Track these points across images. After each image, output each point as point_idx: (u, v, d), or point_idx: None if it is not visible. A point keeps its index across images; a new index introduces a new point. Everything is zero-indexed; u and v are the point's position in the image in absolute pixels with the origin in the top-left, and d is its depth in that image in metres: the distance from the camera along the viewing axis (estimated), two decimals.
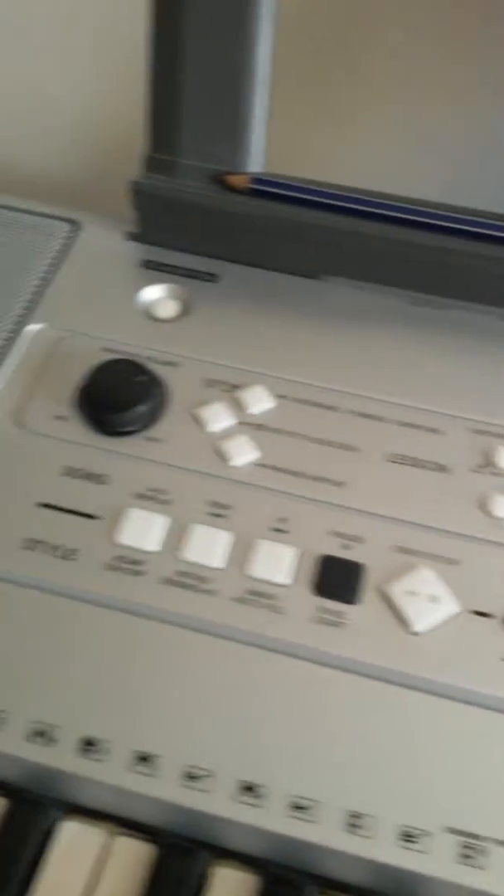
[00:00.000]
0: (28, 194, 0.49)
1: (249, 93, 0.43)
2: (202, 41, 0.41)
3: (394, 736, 0.30)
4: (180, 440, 0.38)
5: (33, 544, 0.34)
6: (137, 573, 0.34)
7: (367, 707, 0.30)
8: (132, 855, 0.29)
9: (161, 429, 0.38)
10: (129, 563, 0.34)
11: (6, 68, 0.56)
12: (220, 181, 0.45)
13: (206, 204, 0.44)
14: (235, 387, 0.40)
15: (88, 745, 0.29)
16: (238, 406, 0.39)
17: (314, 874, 0.29)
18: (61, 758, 0.29)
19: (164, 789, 0.29)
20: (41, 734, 0.30)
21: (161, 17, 0.42)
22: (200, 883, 0.28)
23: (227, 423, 0.38)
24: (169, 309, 0.44)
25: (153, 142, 0.45)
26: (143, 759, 0.29)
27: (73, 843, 0.29)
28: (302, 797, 0.28)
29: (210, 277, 0.45)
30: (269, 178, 0.44)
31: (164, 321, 0.43)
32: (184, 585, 0.33)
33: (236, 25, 0.41)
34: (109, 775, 0.29)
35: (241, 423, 0.38)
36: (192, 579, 0.33)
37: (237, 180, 0.44)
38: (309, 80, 0.52)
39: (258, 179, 0.44)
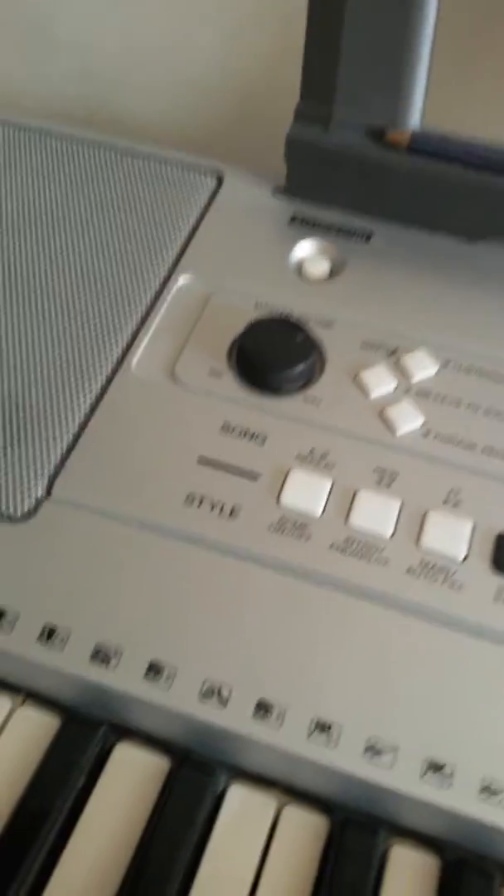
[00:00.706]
0: (168, 145, 0.48)
1: (415, 45, 0.41)
2: None
3: None
4: (341, 403, 0.36)
5: (195, 500, 0.33)
6: (304, 536, 0.32)
7: None
8: (303, 825, 0.28)
9: (319, 390, 0.37)
10: (295, 525, 0.33)
11: (145, 16, 0.54)
12: (377, 136, 0.43)
13: (362, 159, 0.42)
14: (395, 350, 0.38)
15: (263, 708, 0.28)
16: (400, 371, 0.37)
17: (499, 861, 0.27)
18: (236, 720, 0.28)
19: (345, 761, 0.27)
20: (214, 693, 0.29)
21: None
22: (382, 861, 0.27)
23: (390, 387, 0.37)
24: (320, 267, 0.42)
25: (309, 93, 0.43)
26: (322, 727, 0.28)
27: (242, 810, 0.28)
28: (493, 779, 0.27)
29: (362, 236, 0.43)
30: (431, 135, 0.42)
31: (315, 279, 0.42)
32: (353, 553, 0.32)
33: None
34: (288, 742, 0.28)
35: (404, 389, 0.37)
36: (361, 546, 0.32)
37: (397, 136, 0.42)
38: (462, 36, 0.50)
39: (419, 136, 0.42)
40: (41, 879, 0.27)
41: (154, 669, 0.29)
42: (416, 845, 0.28)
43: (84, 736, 0.29)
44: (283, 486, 0.34)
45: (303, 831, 0.28)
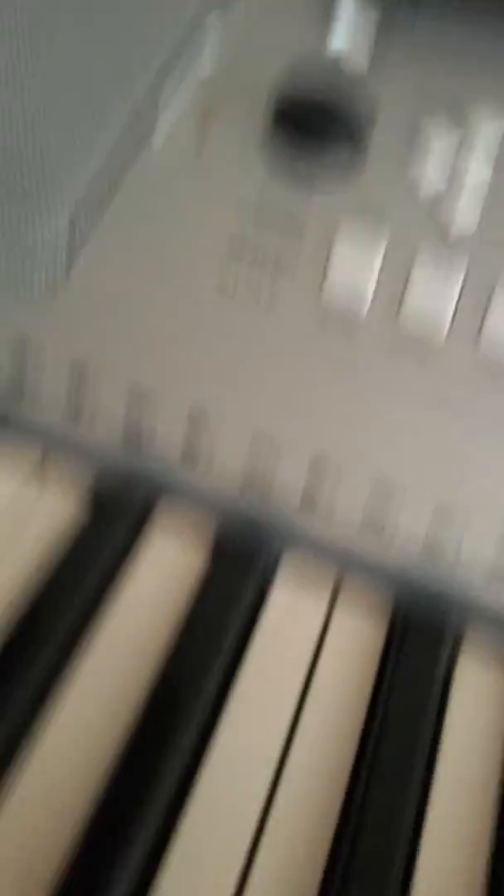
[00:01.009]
0: None
1: None
2: None
3: None
4: (388, 189, 0.32)
5: (231, 290, 0.29)
6: (350, 330, 0.29)
7: None
8: (360, 626, 0.26)
9: (364, 175, 0.32)
10: (340, 318, 0.29)
11: None
12: None
13: None
14: (449, 135, 0.33)
15: (317, 466, 0.25)
16: (456, 158, 0.33)
17: None
18: (285, 475, 0.25)
19: (407, 532, 0.25)
20: (262, 448, 0.26)
21: None
22: (448, 674, 0.25)
23: (443, 175, 0.32)
24: (361, 46, 0.36)
25: None
26: (374, 523, 0.25)
27: (287, 605, 0.26)
28: None
29: (407, 9, 0.37)
30: None
31: (358, 55, 0.36)
32: (406, 348, 0.28)
33: None
34: (335, 531, 0.25)
35: (460, 177, 0.32)
36: (414, 342, 0.29)
37: None
38: None
39: None
40: (62, 664, 0.24)
41: (194, 421, 0.26)
42: (485, 659, 0.25)
43: (118, 512, 0.26)
44: (325, 275, 0.30)
45: (358, 634, 0.25)
